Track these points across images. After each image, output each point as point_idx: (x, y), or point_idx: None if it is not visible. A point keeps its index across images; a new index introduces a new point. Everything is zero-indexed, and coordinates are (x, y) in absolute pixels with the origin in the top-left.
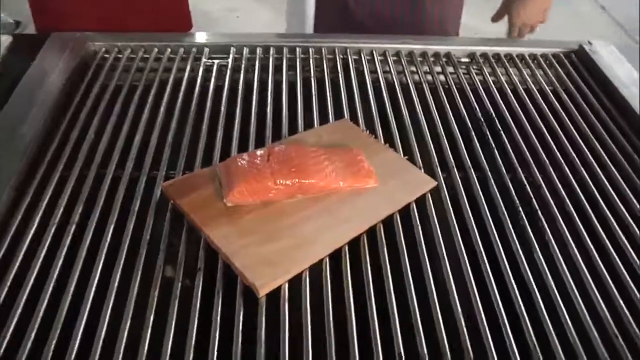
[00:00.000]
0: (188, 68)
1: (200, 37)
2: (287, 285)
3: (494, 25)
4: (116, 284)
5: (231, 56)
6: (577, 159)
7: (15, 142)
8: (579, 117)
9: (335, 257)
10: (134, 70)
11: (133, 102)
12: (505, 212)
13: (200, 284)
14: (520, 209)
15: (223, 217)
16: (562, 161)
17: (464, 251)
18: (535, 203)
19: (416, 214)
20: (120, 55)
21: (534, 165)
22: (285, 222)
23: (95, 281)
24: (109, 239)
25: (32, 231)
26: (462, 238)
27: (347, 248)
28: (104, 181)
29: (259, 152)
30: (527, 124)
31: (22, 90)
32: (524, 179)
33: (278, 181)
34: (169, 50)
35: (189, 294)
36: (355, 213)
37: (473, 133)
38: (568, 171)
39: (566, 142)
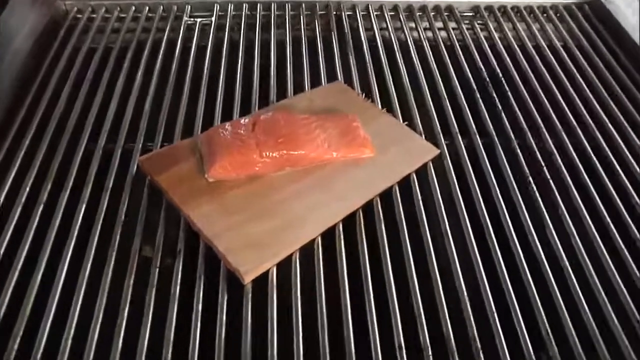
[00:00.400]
0: (168, 28)
1: None
2: (275, 270)
3: None
4: (88, 270)
5: (215, 14)
6: (591, 122)
7: None
8: (594, 76)
9: (328, 236)
10: (108, 31)
11: (108, 67)
12: (514, 183)
13: (180, 269)
14: (530, 179)
15: (204, 195)
16: (576, 124)
17: (469, 227)
18: (546, 172)
19: (417, 185)
20: (94, 15)
21: (544, 130)
22: (272, 198)
23: (66, 266)
24: (80, 220)
25: None
26: (467, 212)
27: (341, 226)
28: (75, 155)
29: (243, 121)
30: (536, 84)
31: None
32: (534, 144)
33: (264, 153)
34: (147, 8)
35: (168, 279)
36: (350, 186)
37: (478, 95)
38: (582, 136)
39: (580, 103)
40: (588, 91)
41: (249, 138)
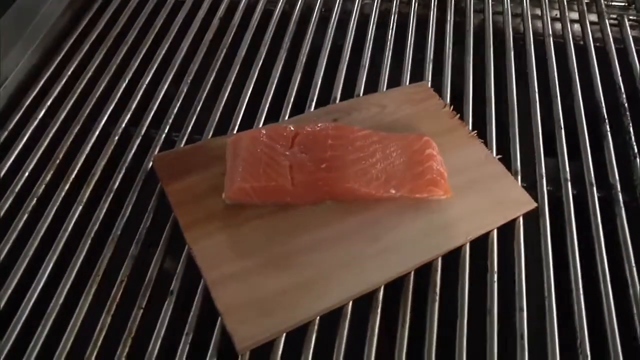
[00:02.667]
0: None
1: None
2: (282, 342)
3: None
4: (61, 299)
5: None
6: None
7: None
8: None
9: (362, 303)
10: None
11: (152, 29)
12: (633, 259)
13: (167, 317)
14: None
15: (216, 220)
16: None
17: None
18: None
19: (495, 247)
20: None
21: None
22: (299, 241)
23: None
24: (70, 228)
25: None
26: (556, 300)
27: (382, 292)
28: (88, 136)
29: (285, 129)
30: None
31: (12, 11)
32: None
33: (298, 181)
34: None
35: (150, 327)
36: (406, 239)
37: (607, 127)
38: None
39: None
40: None
41: (284, 156)
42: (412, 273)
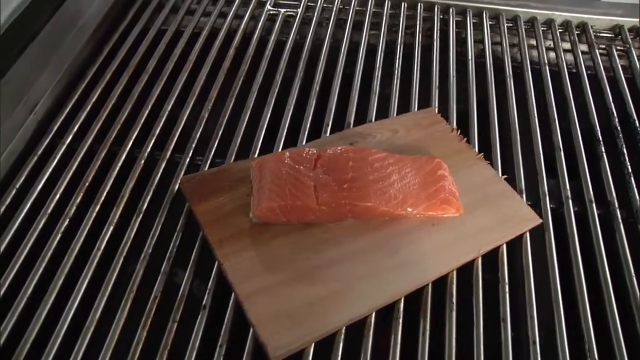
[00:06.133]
0: (247, 15)
1: None
2: (312, 350)
3: None
4: (99, 311)
5: (303, 5)
6: None
7: (26, 98)
8: None
9: (385, 314)
10: (183, 12)
11: (172, 56)
12: (633, 271)
13: (201, 332)
14: None
15: (245, 238)
16: None
17: (563, 324)
18: None
19: (505, 260)
20: None
21: None
22: (324, 256)
23: (74, 307)
24: (102, 248)
25: (15, 227)
26: (564, 308)
27: (402, 303)
28: (115, 160)
29: (306, 153)
30: None
31: (43, 37)
32: None
33: (322, 200)
34: None
35: (185, 339)
36: (422, 254)
37: (603, 148)
38: None
39: None
40: None
41: (308, 177)
42: (430, 285)
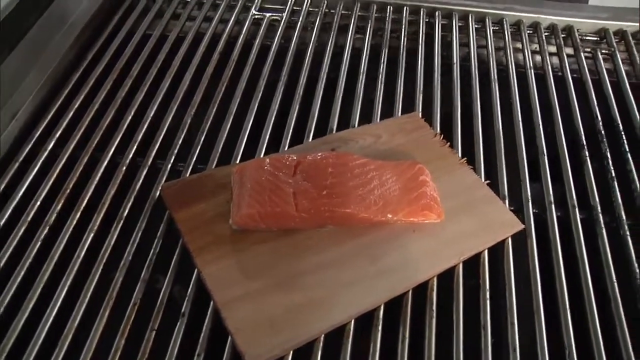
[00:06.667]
0: (232, 19)
1: None
2: (290, 357)
3: None
4: (78, 319)
5: (288, 8)
6: None
7: (9, 104)
8: None
9: (364, 320)
10: (168, 17)
11: (155, 63)
12: (614, 276)
13: (179, 340)
14: (639, 273)
15: (225, 245)
16: None
17: (544, 330)
18: None
19: (486, 266)
20: None
21: None
22: (304, 263)
23: (55, 310)
24: (81, 256)
25: None
26: (545, 314)
27: (382, 310)
28: (97, 166)
29: (286, 159)
30: None
31: (27, 41)
32: None
33: (301, 206)
34: None
35: (163, 350)
36: (403, 260)
37: (587, 152)
38: None
39: None
40: None
41: (287, 184)
42: (410, 292)
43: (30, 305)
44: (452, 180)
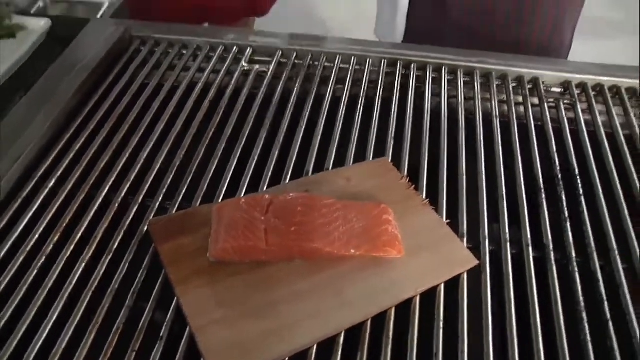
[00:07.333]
0: (224, 70)
1: (247, 36)
2: None
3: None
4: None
5: (275, 60)
6: None
7: (15, 147)
8: None
9: (326, 346)
10: (164, 67)
11: (151, 110)
12: (561, 314)
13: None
14: (584, 313)
15: (203, 276)
16: None
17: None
18: (607, 309)
19: (442, 298)
20: (156, 49)
21: (616, 253)
22: (273, 294)
23: (45, 334)
24: (74, 282)
25: None
26: (494, 343)
27: (342, 337)
28: (91, 206)
29: (261, 199)
30: (620, 189)
31: (37, 89)
32: (598, 268)
33: (271, 242)
34: (209, 47)
35: None
36: (364, 292)
37: (544, 195)
38: None
39: None
40: None
41: (260, 221)
42: (370, 320)
43: (25, 327)
44: (414, 220)
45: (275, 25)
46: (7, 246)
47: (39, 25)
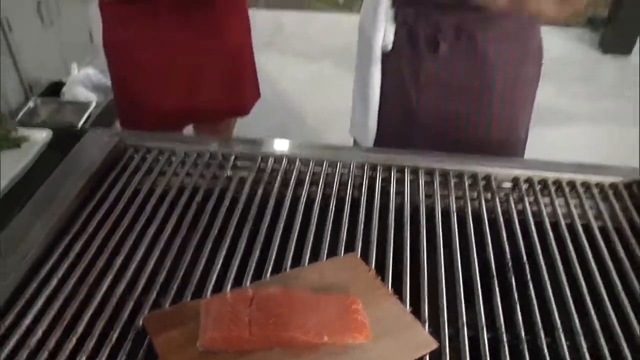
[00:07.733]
0: (209, 176)
1: (230, 143)
2: None
3: None
4: None
5: (257, 165)
6: (618, 326)
7: (17, 251)
8: (631, 272)
9: None
10: (155, 173)
11: (143, 214)
12: None
13: None
14: None
15: None
16: (598, 328)
17: None
18: None
19: None
20: (148, 156)
21: (561, 331)
22: None
23: None
24: None
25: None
26: None
27: None
28: (91, 302)
29: (245, 293)
30: (563, 274)
31: (40, 194)
32: (545, 348)
33: (254, 332)
34: (196, 154)
35: None
36: None
37: (496, 281)
38: (604, 344)
39: (608, 303)
40: (621, 288)
41: (244, 313)
42: None
43: None
44: (381, 308)
45: (255, 120)
46: (12, 342)
47: (41, 136)
